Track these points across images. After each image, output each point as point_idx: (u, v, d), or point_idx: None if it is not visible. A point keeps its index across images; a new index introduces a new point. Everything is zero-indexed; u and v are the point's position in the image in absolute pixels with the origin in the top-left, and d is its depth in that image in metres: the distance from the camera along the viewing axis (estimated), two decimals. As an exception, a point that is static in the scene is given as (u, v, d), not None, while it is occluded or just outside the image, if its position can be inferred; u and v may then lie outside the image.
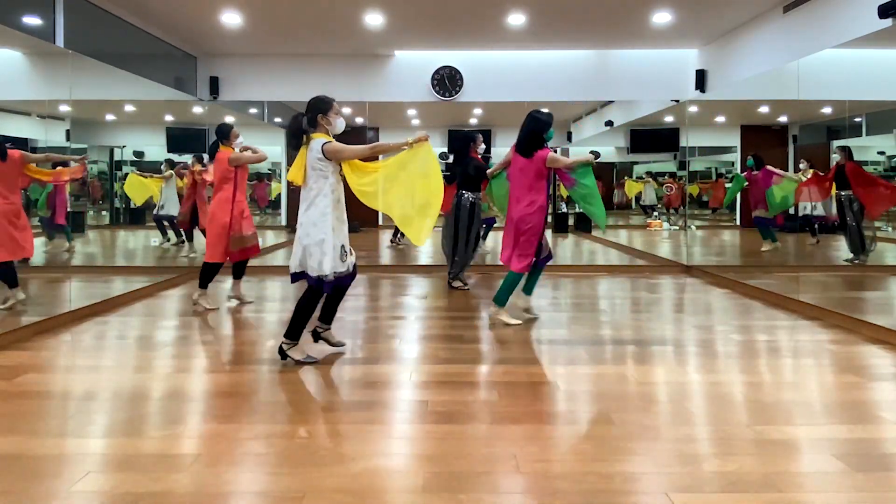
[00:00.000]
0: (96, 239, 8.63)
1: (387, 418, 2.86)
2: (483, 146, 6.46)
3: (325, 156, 3.51)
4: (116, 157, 8.85)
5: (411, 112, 10.13)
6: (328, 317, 3.92)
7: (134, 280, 6.53)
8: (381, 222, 11.26)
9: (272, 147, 9.99)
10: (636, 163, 11.71)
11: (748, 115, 8.81)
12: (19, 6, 5.49)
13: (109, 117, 8.72)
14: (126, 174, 8.85)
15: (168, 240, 8.59)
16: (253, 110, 9.42)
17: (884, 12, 4.86)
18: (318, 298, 3.67)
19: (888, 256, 6.95)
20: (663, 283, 6.90)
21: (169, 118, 9.02)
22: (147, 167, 8.81)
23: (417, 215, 3.70)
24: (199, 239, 8.35)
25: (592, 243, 10.55)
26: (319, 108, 3.61)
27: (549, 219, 5.27)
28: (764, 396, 3.12)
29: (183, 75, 8.26)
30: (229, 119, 9.09)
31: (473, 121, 10.20)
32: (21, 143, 5.62)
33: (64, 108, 6.04)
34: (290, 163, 9.40)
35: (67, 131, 6.02)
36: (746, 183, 8.10)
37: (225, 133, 5.26)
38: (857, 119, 6.64)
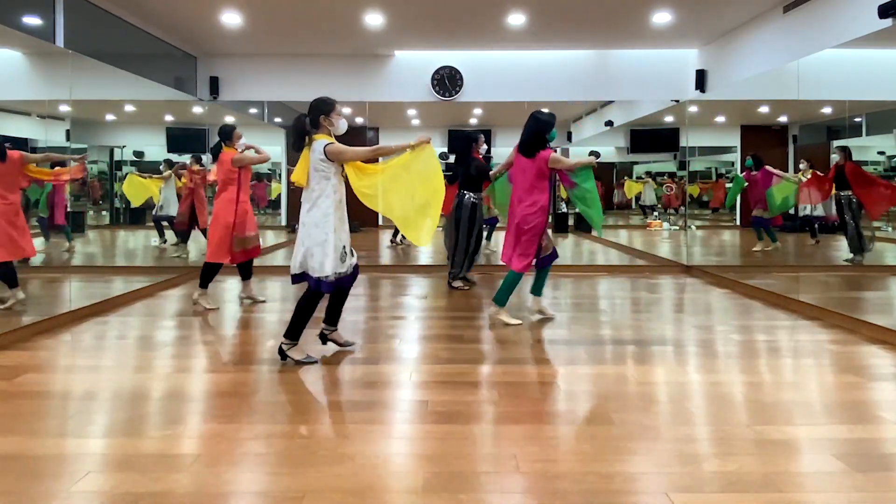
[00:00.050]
0: (96, 239, 8.63)
1: (387, 418, 2.86)
2: (485, 146, 6.47)
3: (328, 157, 3.53)
4: (116, 157, 8.85)
5: (411, 112, 10.13)
6: (333, 319, 3.92)
7: (134, 280, 6.53)
8: (381, 222, 11.26)
9: (272, 147, 9.98)
10: (636, 163, 11.71)
11: (748, 115, 8.81)
12: (19, 6, 5.49)
13: (109, 117, 8.72)
14: (126, 174, 8.84)
15: (165, 241, 8.59)
16: (253, 110, 9.42)
17: (884, 12, 4.86)
18: (318, 299, 3.67)
19: (888, 256, 6.95)
20: (663, 283, 6.90)
21: (169, 118, 9.02)
22: (147, 167, 8.82)
23: (418, 217, 3.72)
24: (198, 240, 8.37)
25: (592, 243, 10.55)
26: (322, 109, 3.63)
27: (550, 219, 5.29)
28: (764, 396, 3.12)
29: (183, 75, 8.26)
30: (229, 119, 9.10)
31: (473, 121, 10.20)
32: (21, 143, 5.62)
33: (64, 108, 6.04)
34: (289, 163, 9.42)
35: (67, 131, 6.02)
36: (746, 184, 8.11)
37: (228, 134, 5.28)
38: (857, 119, 6.64)
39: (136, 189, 8.54)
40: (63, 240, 6.98)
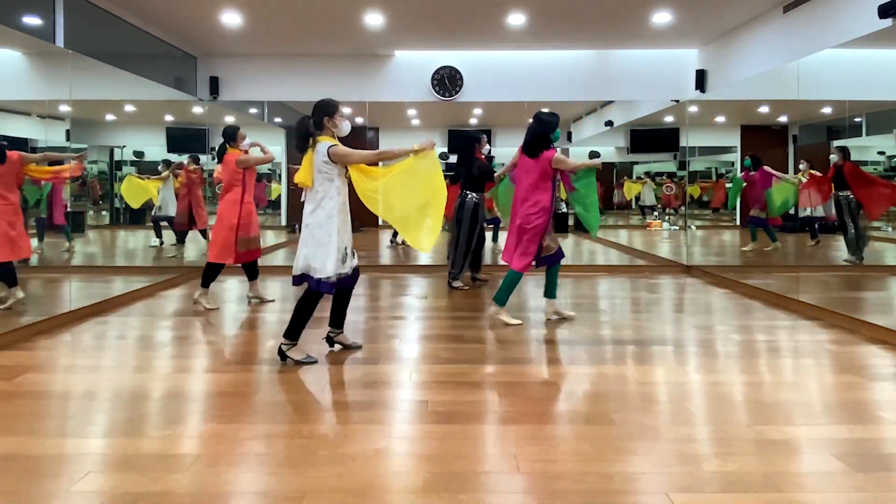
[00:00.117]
0: (96, 239, 8.63)
1: (387, 418, 2.86)
2: (488, 147, 6.47)
3: (331, 159, 3.54)
4: (116, 157, 8.84)
5: (411, 112, 10.13)
6: (338, 321, 3.93)
7: (134, 280, 6.53)
8: (381, 222, 11.25)
9: (273, 147, 9.94)
10: (636, 163, 11.70)
11: (748, 115, 8.81)
12: (19, 6, 5.49)
13: (109, 117, 8.71)
14: (125, 176, 8.84)
15: (162, 242, 8.59)
16: (253, 110, 9.42)
17: (884, 12, 4.86)
18: (318, 300, 3.68)
19: (888, 256, 6.95)
20: (663, 283, 6.90)
21: (169, 118, 9.02)
22: (147, 167, 8.81)
23: (419, 218, 3.74)
24: (196, 240, 8.37)
25: (592, 243, 10.55)
26: (325, 110, 3.65)
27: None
28: (764, 396, 3.12)
29: (183, 75, 8.25)
30: (229, 119, 9.10)
31: (473, 121, 10.20)
32: (21, 143, 5.62)
33: (64, 108, 6.03)
34: (290, 163, 9.42)
35: (67, 131, 6.02)
36: (745, 184, 8.12)
37: (231, 135, 5.29)
38: (857, 119, 6.63)
39: (134, 191, 8.52)
40: (63, 240, 6.97)
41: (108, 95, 7.46)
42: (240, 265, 5.52)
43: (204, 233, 8.13)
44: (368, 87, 8.47)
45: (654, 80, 8.35)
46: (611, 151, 11.00)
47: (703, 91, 8.03)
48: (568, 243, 10.65)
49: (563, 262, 4.89)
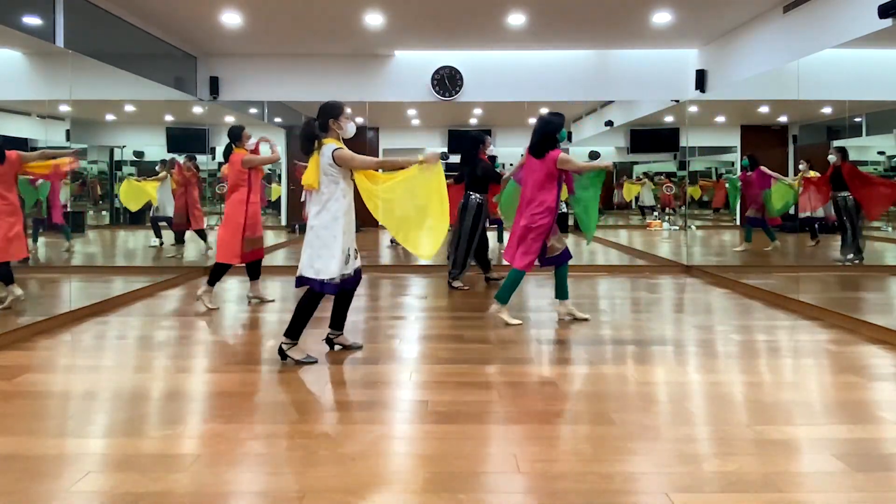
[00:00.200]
0: (96, 239, 8.63)
1: (387, 418, 2.86)
2: (492, 147, 6.46)
3: (336, 162, 3.55)
4: (116, 157, 8.85)
5: (411, 112, 10.13)
6: (339, 322, 3.94)
7: (134, 280, 6.53)
8: (381, 222, 11.23)
9: (273, 147, 9.97)
10: (636, 163, 11.70)
11: (748, 115, 8.81)
12: (19, 6, 5.49)
13: (109, 117, 8.71)
14: (123, 179, 8.84)
15: (162, 242, 8.59)
16: (253, 110, 9.42)
17: (884, 12, 4.86)
18: (319, 300, 3.69)
19: (888, 256, 6.94)
20: (663, 283, 6.90)
21: (169, 118, 9.01)
22: (147, 167, 8.80)
23: (417, 223, 3.75)
24: (194, 240, 8.37)
25: (592, 243, 10.54)
26: (331, 112, 3.67)
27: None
28: (764, 396, 3.12)
29: (183, 75, 8.26)
30: (229, 119, 9.09)
31: (473, 121, 10.20)
32: (21, 143, 5.62)
33: (64, 108, 6.03)
34: (290, 163, 9.41)
35: (67, 131, 6.01)
36: (739, 183, 8.15)
37: (237, 135, 5.29)
38: (857, 119, 6.63)
39: (133, 194, 8.51)
40: (63, 239, 6.97)
41: (108, 95, 7.46)
42: (243, 265, 5.52)
43: (200, 233, 8.12)
44: (368, 87, 8.47)
45: (654, 80, 8.35)
46: (611, 151, 11.00)
47: (703, 91, 8.03)
48: (568, 243, 10.64)
49: None
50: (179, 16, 6.92)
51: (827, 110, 7.27)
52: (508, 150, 10.10)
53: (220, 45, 8.04)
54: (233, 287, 6.55)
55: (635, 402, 3.03)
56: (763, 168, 7.66)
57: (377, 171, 3.78)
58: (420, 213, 3.75)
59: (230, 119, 9.11)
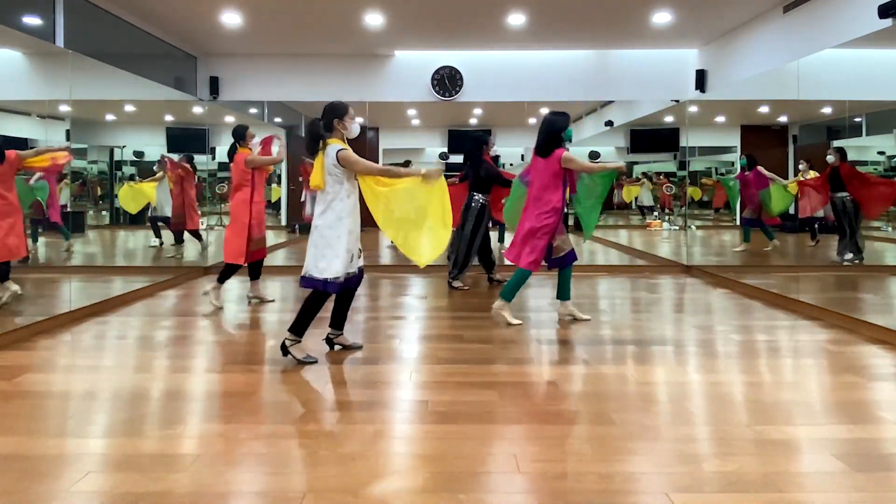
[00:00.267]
0: (96, 239, 8.63)
1: (387, 418, 2.86)
2: (496, 148, 6.46)
3: (339, 162, 3.57)
4: (116, 157, 8.84)
5: (411, 112, 10.13)
6: (339, 322, 3.94)
7: (134, 280, 6.53)
8: (380, 226, 11.22)
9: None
10: (636, 163, 11.70)
11: (748, 115, 8.81)
12: (19, 6, 5.49)
13: (109, 117, 8.71)
14: (125, 176, 8.83)
15: (162, 242, 8.58)
16: (253, 110, 9.42)
17: (884, 12, 4.86)
18: (325, 299, 3.71)
19: (888, 256, 6.95)
20: (663, 283, 6.90)
21: (169, 118, 9.01)
22: (147, 167, 8.80)
23: (417, 224, 3.76)
24: (192, 239, 8.36)
25: (592, 243, 10.55)
26: (335, 112, 3.69)
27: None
28: (764, 396, 3.12)
29: (183, 75, 8.25)
30: (229, 119, 9.09)
31: (473, 121, 10.20)
32: (21, 143, 5.62)
33: (64, 108, 6.03)
34: (290, 164, 9.38)
35: (67, 131, 6.01)
36: (732, 184, 8.17)
37: (241, 134, 5.29)
38: (857, 119, 6.63)
39: (131, 197, 8.49)
40: (62, 239, 6.96)
41: (108, 95, 7.46)
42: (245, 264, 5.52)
43: (194, 233, 8.12)
44: (368, 87, 8.47)
45: (654, 80, 8.35)
46: (611, 151, 11.00)
47: (703, 91, 8.03)
48: (568, 243, 10.63)
49: None
50: (179, 16, 6.92)
51: (827, 110, 7.27)
52: (508, 150, 10.10)
53: (220, 45, 8.04)
54: (233, 287, 6.55)
55: (635, 402, 3.03)
56: (760, 168, 7.67)
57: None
58: (420, 214, 3.76)
59: (230, 119, 9.11)
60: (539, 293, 6.04)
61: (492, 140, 6.30)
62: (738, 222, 9.26)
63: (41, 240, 6.72)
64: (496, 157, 7.26)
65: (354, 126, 3.74)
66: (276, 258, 8.74)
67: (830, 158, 6.44)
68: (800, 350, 4.11)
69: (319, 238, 3.63)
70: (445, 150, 10.20)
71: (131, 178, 8.78)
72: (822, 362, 3.77)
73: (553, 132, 4.55)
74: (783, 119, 8.16)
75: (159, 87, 7.52)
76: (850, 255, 6.53)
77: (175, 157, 8.19)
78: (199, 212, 8.37)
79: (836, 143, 6.66)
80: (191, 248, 8.64)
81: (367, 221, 3.82)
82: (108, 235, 9.02)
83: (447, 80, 8.35)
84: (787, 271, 7.21)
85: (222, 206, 9.54)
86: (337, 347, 3.96)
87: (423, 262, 3.74)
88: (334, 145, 3.62)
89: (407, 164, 8.74)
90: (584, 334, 4.43)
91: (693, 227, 10.08)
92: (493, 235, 8.30)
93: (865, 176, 6.37)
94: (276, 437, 2.61)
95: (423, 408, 2.95)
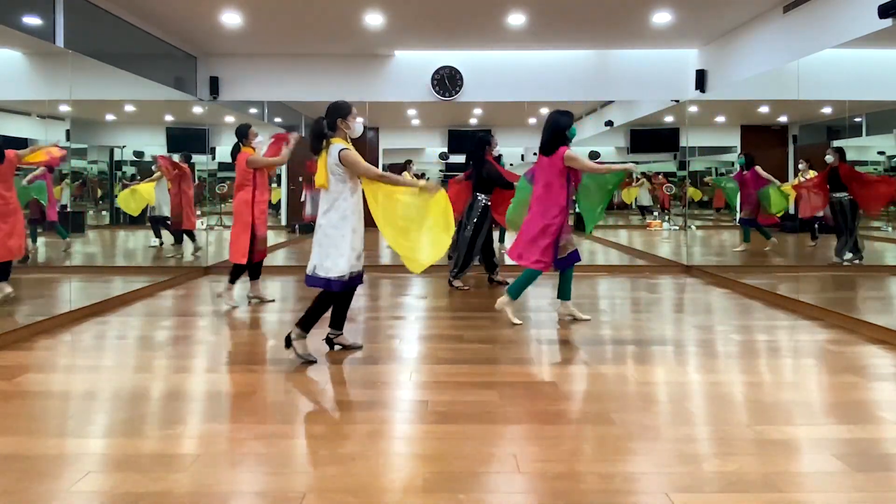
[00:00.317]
0: (96, 239, 8.63)
1: (387, 418, 2.86)
2: (499, 148, 6.45)
3: (341, 162, 3.58)
4: (116, 157, 8.84)
5: (411, 112, 10.13)
6: (339, 323, 3.94)
7: (134, 280, 6.53)
8: (380, 229, 11.20)
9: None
10: (636, 163, 11.70)
11: (748, 115, 8.81)
12: (19, 6, 5.49)
13: (109, 117, 8.71)
14: (123, 178, 8.82)
15: (162, 242, 8.58)
16: (253, 110, 9.42)
17: (884, 12, 4.86)
18: (335, 298, 3.74)
19: (888, 256, 6.95)
20: (663, 283, 6.90)
21: (169, 118, 9.01)
22: (146, 167, 8.79)
23: (418, 223, 3.76)
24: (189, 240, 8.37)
25: (592, 243, 10.55)
26: (339, 112, 3.71)
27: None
28: (764, 396, 3.12)
29: (183, 75, 8.25)
30: (229, 119, 9.09)
31: (473, 121, 10.20)
32: (21, 142, 5.62)
33: (64, 108, 6.03)
34: (290, 165, 9.34)
35: (67, 131, 6.01)
36: (731, 185, 8.18)
37: (244, 133, 5.28)
38: (857, 119, 6.63)
39: (131, 201, 8.47)
40: (61, 239, 6.95)
41: (108, 95, 7.46)
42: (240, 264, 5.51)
43: (189, 233, 8.11)
44: (368, 87, 8.47)
45: (654, 80, 8.35)
46: (611, 151, 11.00)
47: (703, 91, 8.03)
48: (568, 243, 10.63)
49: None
50: (179, 16, 6.92)
51: (827, 110, 7.27)
52: (508, 150, 10.09)
53: (220, 45, 8.04)
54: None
55: (635, 402, 3.03)
56: (758, 168, 7.67)
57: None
58: (420, 214, 3.77)
59: (230, 119, 9.11)
60: (539, 293, 6.03)
61: (495, 140, 6.30)
62: (737, 222, 9.27)
63: (41, 240, 6.71)
64: (499, 157, 7.26)
65: (358, 126, 3.76)
66: (276, 258, 8.74)
67: (829, 158, 6.44)
68: (800, 350, 4.11)
69: (324, 237, 3.64)
70: (445, 150, 10.20)
71: (132, 177, 8.77)
72: (823, 362, 3.77)
73: (557, 130, 4.56)
74: (783, 119, 8.16)
75: (159, 87, 7.52)
76: (849, 255, 6.54)
77: (175, 157, 8.18)
78: (200, 211, 8.36)
79: (835, 143, 6.66)
80: (190, 248, 8.63)
81: (367, 221, 3.82)
82: (108, 235, 9.02)
83: (447, 80, 8.35)
84: (787, 271, 7.21)
85: (222, 206, 9.54)
86: (337, 347, 3.96)
87: (418, 267, 3.72)
88: (337, 144, 3.64)
89: (408, 163, 8.73)
90: (584, 334, 4.43)
91: (693, 227, 10.08)
92: (494, 235, 8.29)
93: (864, 176, 6.38)
94: (276, 437, 2.61)
95: (423, 408, 2.95)
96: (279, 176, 11.06)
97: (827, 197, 6.59)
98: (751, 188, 7.75)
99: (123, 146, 8.88)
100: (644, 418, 2.81)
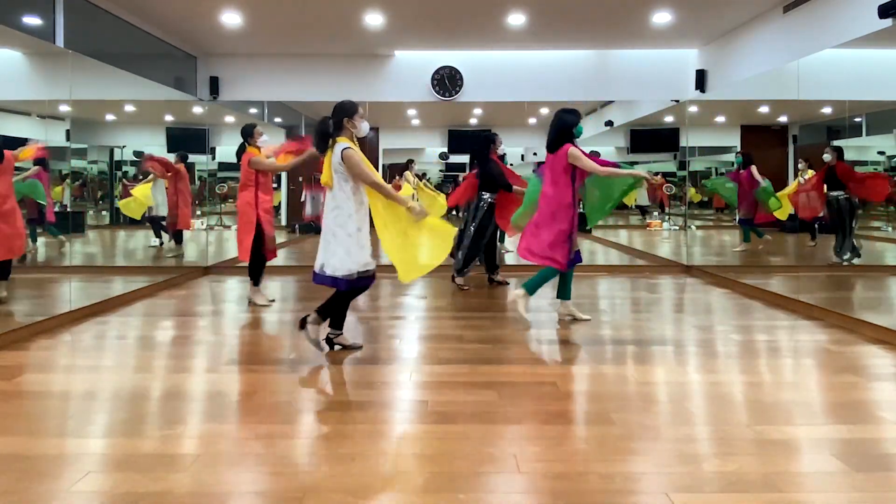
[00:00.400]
0: (96, 239, 8.63)
1: (387, 418, 2.86)
2: (503, 147, 6.45)
3: (343, 160, 3.60)
4: (116, 157, 8.84)
5: (411, 112, 10.13)
6: (338, 322, 3.94)
7: (134, 280, 6.53)
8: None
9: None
10: (636, 163, 11.70)
11: (748, 115, 8.80)
12: (19, 6, 5.49)
13: (109, 117, 8.71)
14: (125, 179, 8.82)
15: (162, 242, 8.58)
16: (253, 110, 9.42)
17: (884, 12, 4.86)
18: (350, 295, 3.78)
19: (888, 256, 6.94)
20: (663, 283, 6.90)
21: (169, 118, 9.01)
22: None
23: (418, 225, 3.76)
24: (193, 239, 8.37)
25: (593, 243, 10.55)
26: (345, 111, 3.76)
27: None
28: (764, 396, 3.12)
29: (183, 75, 8.25)
30: (229, 119, 9.09)
31: (473, 121, 10.20)
32: (21, 143, 5.62)
33: (64, 108, 6.03)
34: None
35: (67, 131, 6.01)
36: (729, 185, 8.18)
37: (249, 133, 5.25)
38: (857, 119, 6.63)
39: (132, 205, 8.45)
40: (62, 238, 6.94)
41: (108, 95, 7.46)
42: (246, 264, 5.50)
43: (178, 233, 8.11)
44: (368, 87, 8.47)
45: (654, 80, 8.34)
46: (611, 151, 11.00)
47: (703, 91, 8.03)
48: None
49: None
50: (179, 16, 6.92)
51: (827, 110, 7.27)
52: (509, 150, 10.07)
53: (220, 45, 8.04)
54: (233, 287, 6.55)
55: (635, 402, 3.03)
56: (752, 169, 7.67)
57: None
58: (418, 224, 3.78)
59: (230, 119, 9.11)
60: (539, 293, 6.00)
61: (499, 139, 6.29)
62: (737, 222, 9.27)
63: (40, 240, 6.70)
64: (503, 156, 7.25)
65: (364, 125, 3.80)
66: (275, 258, 8.72)
67: (827, 157, 6.44)
68: (800, 350, 4.11)
69: (331, 236, 3.67)
70: (445, 150, 10.20)
71: (134, 178, 8.76)
72: (823, 362, 3.77)
73: (563, 128, 4.58)
74: (783, 119, 8.16)
75: (159, 87, 7.52)
76: (848, 255, 6.54)
77: (171, 157, 8.18)
78: (200, 212, 8.36)
79: (835, 143, 6.66)
80: (191, 249, 8.64)
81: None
82: (108, 235, 9.02)
83: (447, 80, 8.35)
84: (787, 271, 7.21)
85: (222, 206, 9.54)
86: (337, 347, 3.96)
87: (407, 277, 3.74)
88: (341, 144, 3.66)
89: (410, 163, 8.72)
90: (584, 334, 4.43)
91: (693, 227, 10.08)
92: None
93: (862, 175, 6.40)
94: (276, 437, 2.61)
95: (423, 408, 2.95)
96: (279, 176, 11.05)
97: (824, 197, 6.59)
98: (746, 188, 7.76)
99: (123, 146, 8.88)
100: (644, 418, 2.81)
